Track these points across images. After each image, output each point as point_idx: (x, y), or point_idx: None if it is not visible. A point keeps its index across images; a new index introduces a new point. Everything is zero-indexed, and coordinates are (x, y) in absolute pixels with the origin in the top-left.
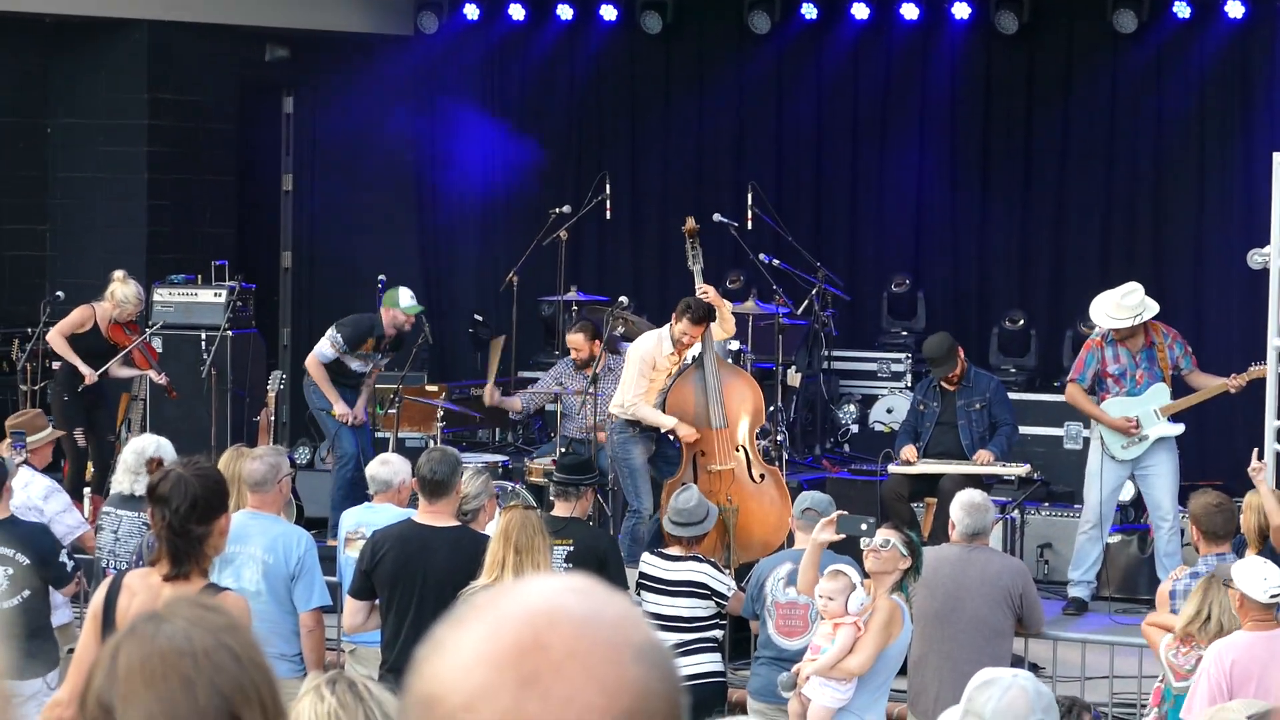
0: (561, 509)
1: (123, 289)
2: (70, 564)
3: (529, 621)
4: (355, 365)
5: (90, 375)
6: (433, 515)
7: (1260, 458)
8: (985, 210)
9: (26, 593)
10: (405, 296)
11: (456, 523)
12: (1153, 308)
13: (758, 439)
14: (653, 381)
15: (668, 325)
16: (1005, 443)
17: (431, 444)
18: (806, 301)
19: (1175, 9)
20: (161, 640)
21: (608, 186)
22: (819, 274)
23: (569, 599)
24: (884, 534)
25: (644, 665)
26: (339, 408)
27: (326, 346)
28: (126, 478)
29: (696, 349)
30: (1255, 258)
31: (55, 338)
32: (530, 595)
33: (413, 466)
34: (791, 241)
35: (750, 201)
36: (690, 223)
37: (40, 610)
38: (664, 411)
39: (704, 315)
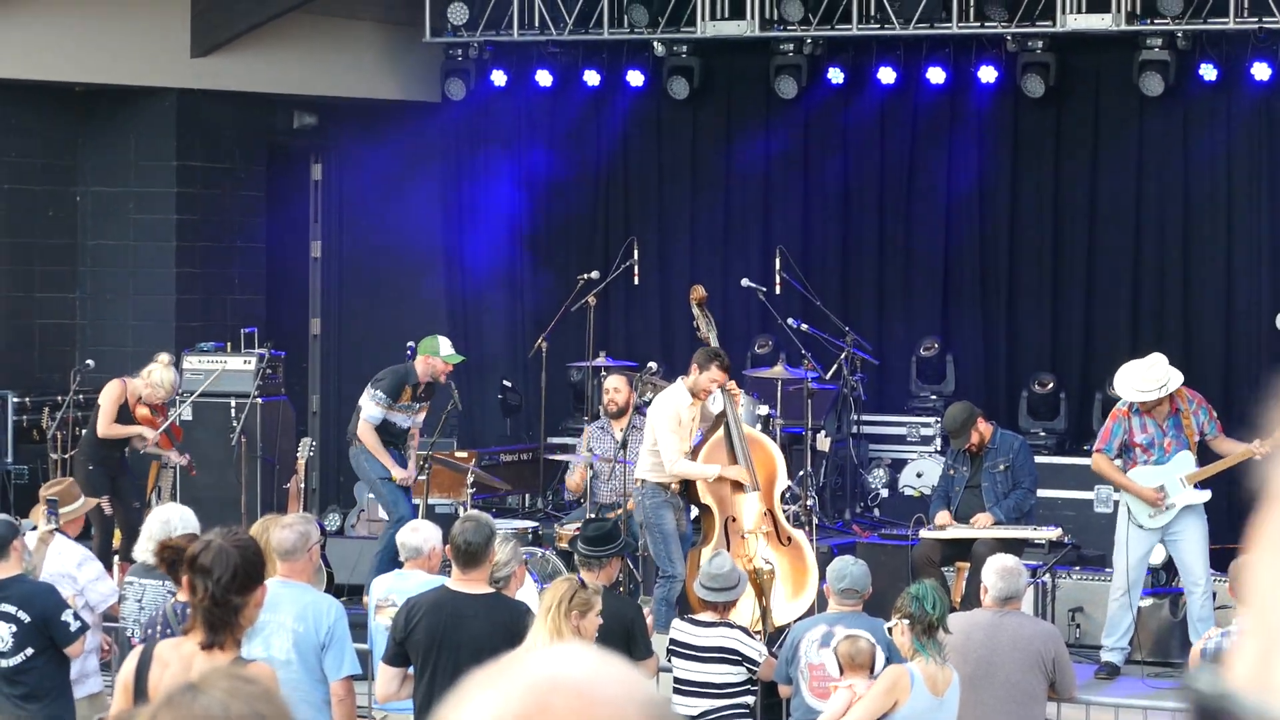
0: (587, 578)
1: (162, 373)
2: (76, 624)
3: (532, 689)
4: (399, 419)
5: (153, 435)
6: (466, 582)
7: None
8: (1013, 273)
9: (30, 651)
10: (445, 345)
11: (490, 590)
12: (1177, 378)
13: (783, 503)
14: (677, 438)
15: (680, 379)
16: (1013, 506)
17: (462, 510)
18: (835, 366)
19: (1201, 72)
20: (198, 710)
21: (635, 252)
22: (847, 338)
23: (570, 664)
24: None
25: None
26: (397, 472)
27: (372, 407)
28: (151, 546)
29: (714, 405)
30: None
31: (106, 429)
32: (533, 664)
33: (443, 533)
34: (820, 306)
35: (778, 266)
36: (698, 291)
37: (46, 670)
38: (697, 485)
39: (728, 363)
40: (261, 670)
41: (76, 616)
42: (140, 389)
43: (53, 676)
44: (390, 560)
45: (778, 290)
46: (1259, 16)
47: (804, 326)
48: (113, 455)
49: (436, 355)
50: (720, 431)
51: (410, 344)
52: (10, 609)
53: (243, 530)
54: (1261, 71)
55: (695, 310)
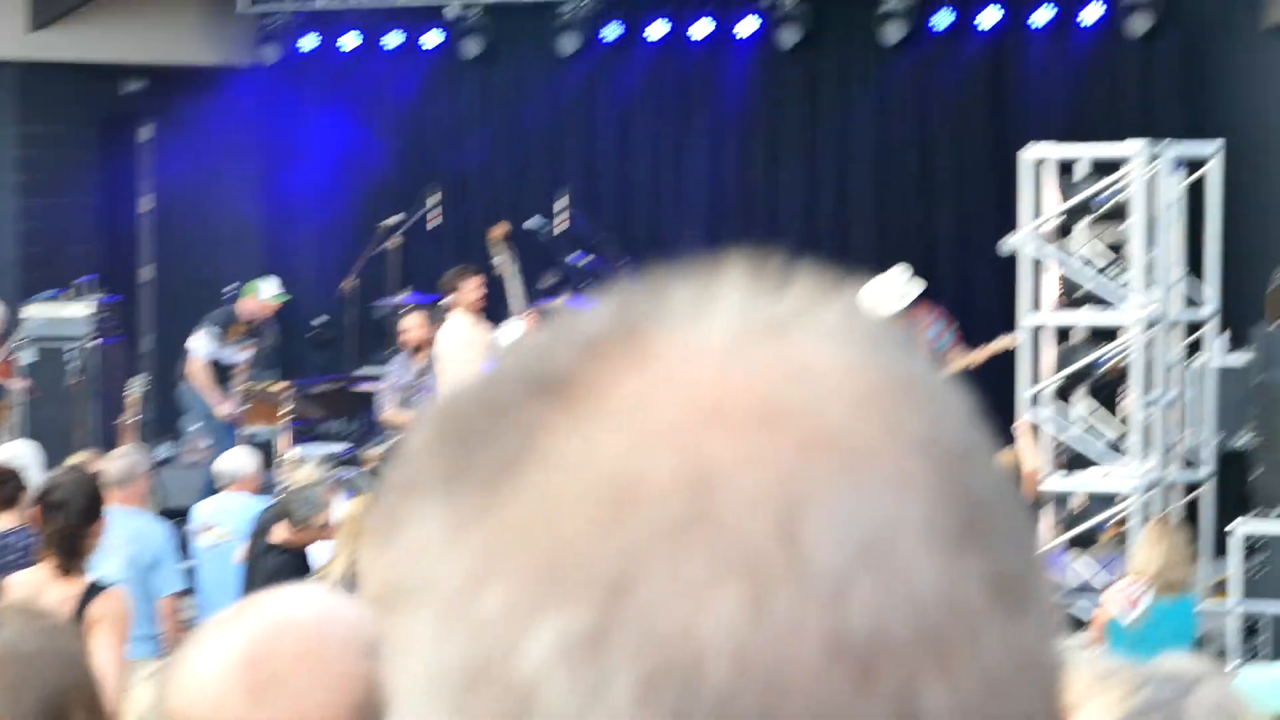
0: None
1: None
2: None
3: (261, 632)
4: (228, 354)
5: None
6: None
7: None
8: (774, 207)
9: None
10: (267, 288)
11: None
12: (918, 287)
13: None
14: (469, 363)
15: (450, 312)
16: None
17: (280, 438)
18: None
19: (933, 21)
20: None
21: (435, 198)
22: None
23: (301, 606)
24: None
25: (375, 659)
26: (220, 408)
27: (204, 343)
28: None
29: (505, 337)
30: (1005, 245)
31: None
32: (265, 608)
33: (263, 459)
34: (602, 239)
35: (565, 205)
36: (498, 229)
37: None
38: None
39: (476, 268)
40: (114, 594)
41: None
42: None
43: None
44: (211, 488)
45: (565, 227)
46: None
47: (586, 259)
48: None
49: (258, 296)
50: None
51: (233, 286)
52: None
53: (84, 468)
54: (990, 17)
55: (496, 247)
